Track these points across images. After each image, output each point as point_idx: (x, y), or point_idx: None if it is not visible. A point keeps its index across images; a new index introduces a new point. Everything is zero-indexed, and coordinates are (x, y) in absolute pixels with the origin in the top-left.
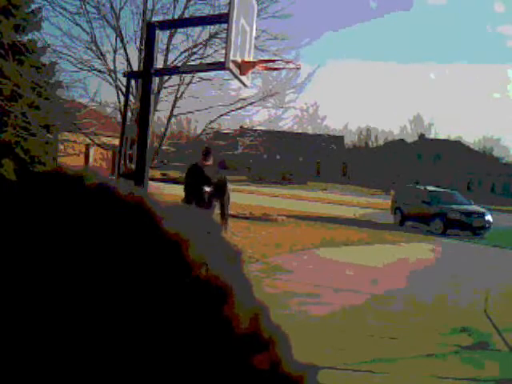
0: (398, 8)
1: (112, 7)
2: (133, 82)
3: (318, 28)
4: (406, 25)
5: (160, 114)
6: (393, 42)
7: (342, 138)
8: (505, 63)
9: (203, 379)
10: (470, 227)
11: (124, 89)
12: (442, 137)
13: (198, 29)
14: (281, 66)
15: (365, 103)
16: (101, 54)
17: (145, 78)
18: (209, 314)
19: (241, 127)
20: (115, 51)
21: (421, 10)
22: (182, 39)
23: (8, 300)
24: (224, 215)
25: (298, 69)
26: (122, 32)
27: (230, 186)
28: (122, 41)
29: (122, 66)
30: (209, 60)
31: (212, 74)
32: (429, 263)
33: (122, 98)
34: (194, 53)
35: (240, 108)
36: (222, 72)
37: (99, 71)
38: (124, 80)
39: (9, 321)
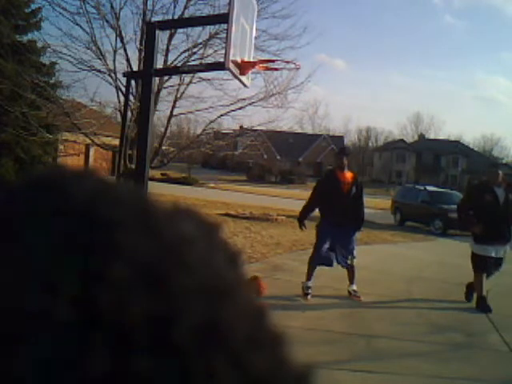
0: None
1: (112, 7)
2: (133, 82)
3: (317, 29)
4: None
5: (160, 113)
6: (394, 44)
7: (342, 138)
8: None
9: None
10: None
11: (124, 89)
12: (442, 137)
13: (197, 29)
14: (281, 66)
15: (365, 103)
16: (101, 54)
17: (145, 78)
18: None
19: (241, 127)
20: (115, 51)
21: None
22: (182, 39)
23: None
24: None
25: (297, 69)
26: (122, 32)
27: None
28: (121, 41)
29: (122, 66)
30: (209, 60)
31: (212, 73)
32: (428, 263)
33: (122, 98)
34: (194, 53)
35: (240, 108)
36: (222, 72)
37: (99, 71)
38: (124, 80)
39: None
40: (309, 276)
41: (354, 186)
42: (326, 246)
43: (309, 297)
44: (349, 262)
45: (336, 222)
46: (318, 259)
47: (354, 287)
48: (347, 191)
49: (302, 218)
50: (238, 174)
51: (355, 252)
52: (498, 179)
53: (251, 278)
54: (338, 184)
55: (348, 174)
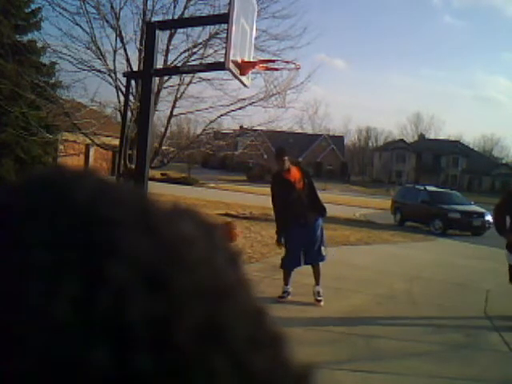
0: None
1: (112, 7)
2: (133, 82)
3: (318, 29)
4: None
5: (160, 113)
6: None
7: (342, 137)
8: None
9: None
10: (469, 227)
11: (124, 89)
12: (442, 137)
13: (198, 29)
14: (281, 66)
15: (365, 103)
16: (101, 54)
17: (145, 78)
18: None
19: (241, 127)
20: (115, 51)
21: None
22: (182, 39)
23: None
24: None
25: (297, 69)
26: (122, 32)
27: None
28: (121, 41)
29: (122, 66)
30: (209, 60)
31: (212, 74)
32: (428, 263)
33: (122, 98)
34: (194, 53)
35: (240, 108)
36: (222, 72)
37: (99, 71)
38: (124, 80)
39: None
40: (286, 280)
41: (305, 178)
42: (297, 247)
43: (282, 300)
44: (323, 253)
45: (299, 222)
46: (289, 263)
47: (319, 289)
48: (302, 187)
49: (282, 231)
50: (237, 174)
51: (324, 239)
52: None
53: (224, 224)
54: (290, 184)
55: (295, 171)
